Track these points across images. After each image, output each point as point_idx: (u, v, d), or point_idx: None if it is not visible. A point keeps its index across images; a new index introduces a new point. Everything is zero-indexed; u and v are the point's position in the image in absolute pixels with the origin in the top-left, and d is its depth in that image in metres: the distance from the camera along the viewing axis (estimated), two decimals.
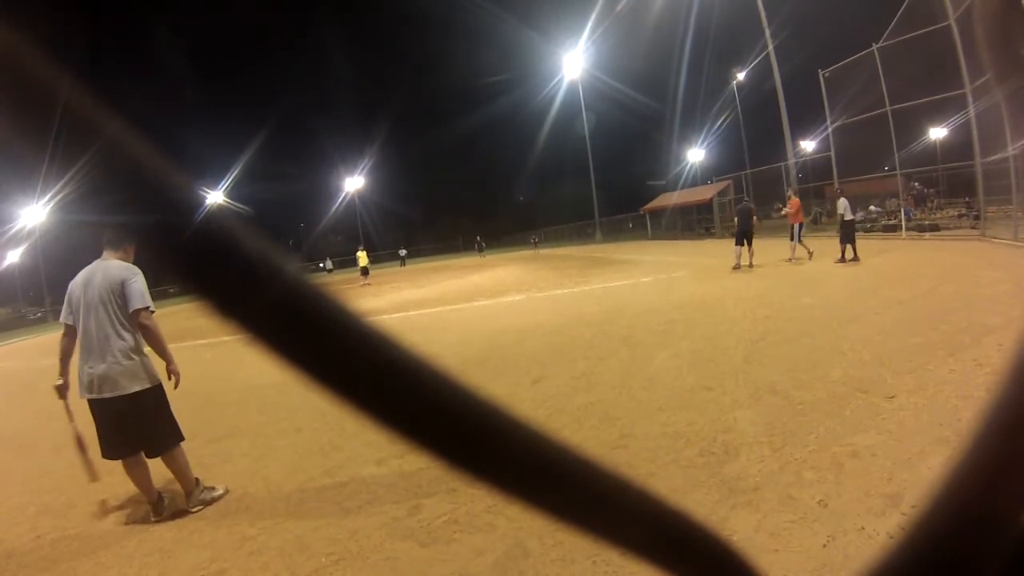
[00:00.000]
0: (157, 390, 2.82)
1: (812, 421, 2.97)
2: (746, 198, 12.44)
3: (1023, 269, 7.17)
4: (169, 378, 2.89)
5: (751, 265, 10.59)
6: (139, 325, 2.75)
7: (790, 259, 10.84)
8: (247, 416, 4.55)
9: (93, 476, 2.82)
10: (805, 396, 3.35)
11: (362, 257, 22.76)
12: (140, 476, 2.80)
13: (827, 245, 10.85)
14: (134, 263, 2.86)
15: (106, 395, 2.66)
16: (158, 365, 2.88)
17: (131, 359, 2.71)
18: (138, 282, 2.77)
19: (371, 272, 23.95)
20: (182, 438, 2.91)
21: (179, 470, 2.86)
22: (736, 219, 11.51)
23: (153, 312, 2.81)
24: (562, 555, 2.08)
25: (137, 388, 2.71)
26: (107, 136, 0.15)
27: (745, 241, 10.68)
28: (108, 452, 2.76)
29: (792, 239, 11.00)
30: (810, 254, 10.64)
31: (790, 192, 11.88)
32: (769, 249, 13.03)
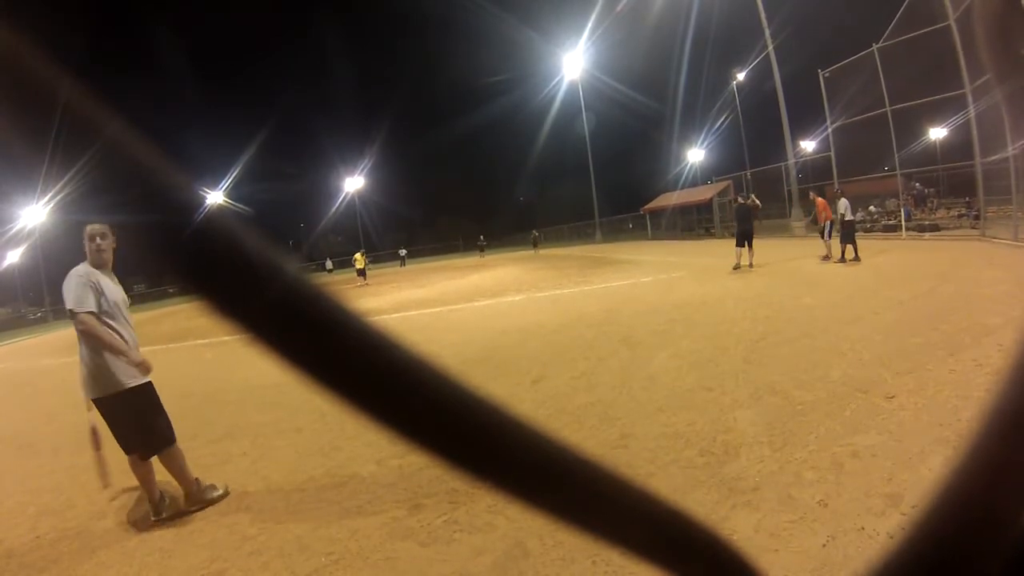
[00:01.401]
0: (127, 395, 2.70)
1: (812, 421, 2.97)
2: (741, 198, 12.23)
3: (1023, 269, 7.17)
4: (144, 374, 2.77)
5: (751, 265, 10.56)
6: (76, 329, 2.65)
7: (826, 256, 10.51)
8: (247, 416, 4.55)
9: (104, 481, 2.76)
10: (805, 396, 3.35)
11: (359, 260, 23.38)
12: (142, 473, 2.78)
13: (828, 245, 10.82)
14: (92, 259, 2.75)
15: (90, 396, 2.68)
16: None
17: (86, 365, 2.66)
18: (67, 285, 2.64)
19: (369, 273, 24.35)
20: (169, 443, 2.84)
21: (176, 470, 2.85)
22: (735, 220, 11.45)
23: (91, 312, 2.63)
24: (562, 555, 2.07)
25: (100, 394, 2.66)
26: (107, 136, 0.15)
27: (746, 242, 10.64)
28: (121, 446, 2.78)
29: (824, 237, 10.80)
30: (828, 255, 10.45)
31: (813, 195, 11.67)
32: (771, 249, 13.03)
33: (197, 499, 2.88)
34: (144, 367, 2.73)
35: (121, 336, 2.75)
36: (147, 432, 2.78)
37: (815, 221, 11.71)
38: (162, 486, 2.91)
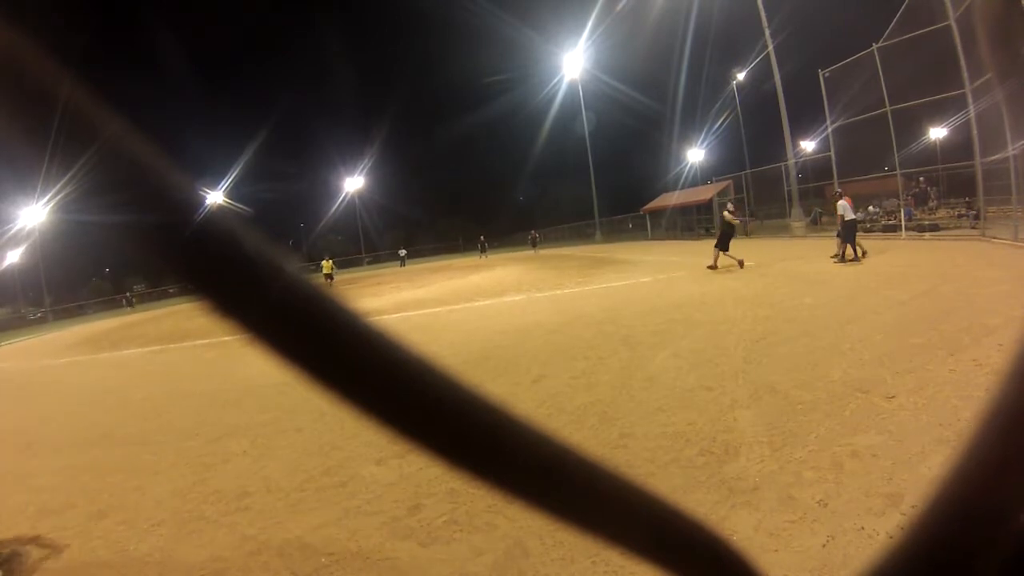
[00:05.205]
0: None
1: (812, 421, 2.97)
2: (731, 204, 12.44)
3: (1023, 269, 7.17)
4: None
5: (714, 267, 10.79)
6: None
7: (835, 255, 10.31)
8: (247, 416, 4.55)
9: None
10: (805, 396, 3.35)
11: (326, 265, 24.83)
12: None
13: (828, 245, 10.79)
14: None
15: None
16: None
17: None
18: None
19: (369, 273, 24.99)
20: None
21: None
22: (721, 223, 11.74)
23: None
24: (562, 555, 2.07)
25: None
26: (107, 136, 0.15)
27: (723, 244, 10.88)
28: None
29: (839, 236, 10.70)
30: (845, 257, 10.07)
31: (836, 193, 11.49)
32: (770, 249, 13.02)
33: None
34: None
35: None
36: None
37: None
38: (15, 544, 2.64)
